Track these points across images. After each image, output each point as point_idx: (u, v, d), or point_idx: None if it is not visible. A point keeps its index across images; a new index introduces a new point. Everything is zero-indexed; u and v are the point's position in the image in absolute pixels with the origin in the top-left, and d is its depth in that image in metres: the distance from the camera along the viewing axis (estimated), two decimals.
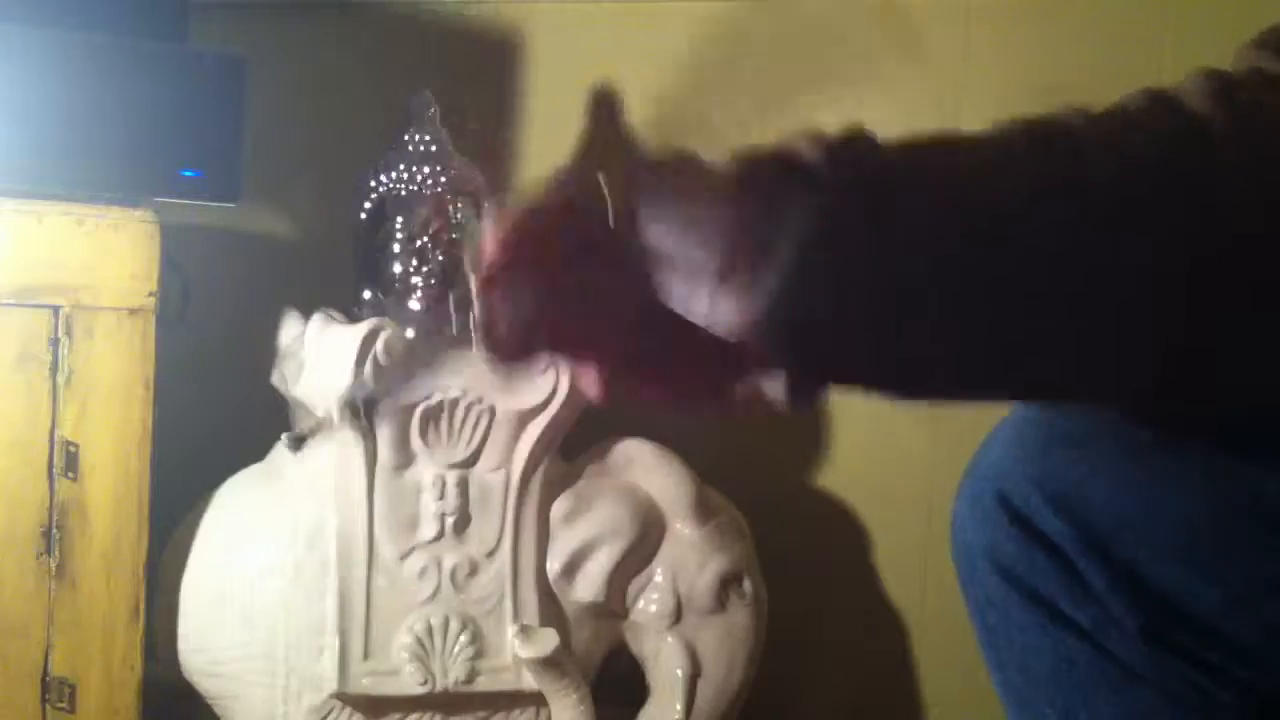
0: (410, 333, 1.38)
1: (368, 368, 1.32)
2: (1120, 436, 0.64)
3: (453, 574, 1.35)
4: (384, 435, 1.33)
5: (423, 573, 1.35)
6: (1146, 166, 0.55)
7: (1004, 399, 0.59)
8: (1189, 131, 0.55)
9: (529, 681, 1.35)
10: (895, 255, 0.53)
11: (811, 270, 0.53)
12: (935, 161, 0.56)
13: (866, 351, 0.55)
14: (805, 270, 0.53)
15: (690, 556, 1.42)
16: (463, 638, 1.35)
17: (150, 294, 1.25)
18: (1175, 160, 0.55)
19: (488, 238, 0.58)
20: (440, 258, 1.42)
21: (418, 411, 1.33)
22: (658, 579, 1.42)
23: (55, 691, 1.24)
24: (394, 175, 1.43)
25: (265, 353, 1.45)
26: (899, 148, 0.56)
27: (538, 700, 1.37)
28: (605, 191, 0.59)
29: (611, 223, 0.58)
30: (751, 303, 0.54)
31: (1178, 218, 0.54)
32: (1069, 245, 0.54)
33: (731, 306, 0.54)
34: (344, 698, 1.33)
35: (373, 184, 1.43)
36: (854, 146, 0.55)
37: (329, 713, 1.34)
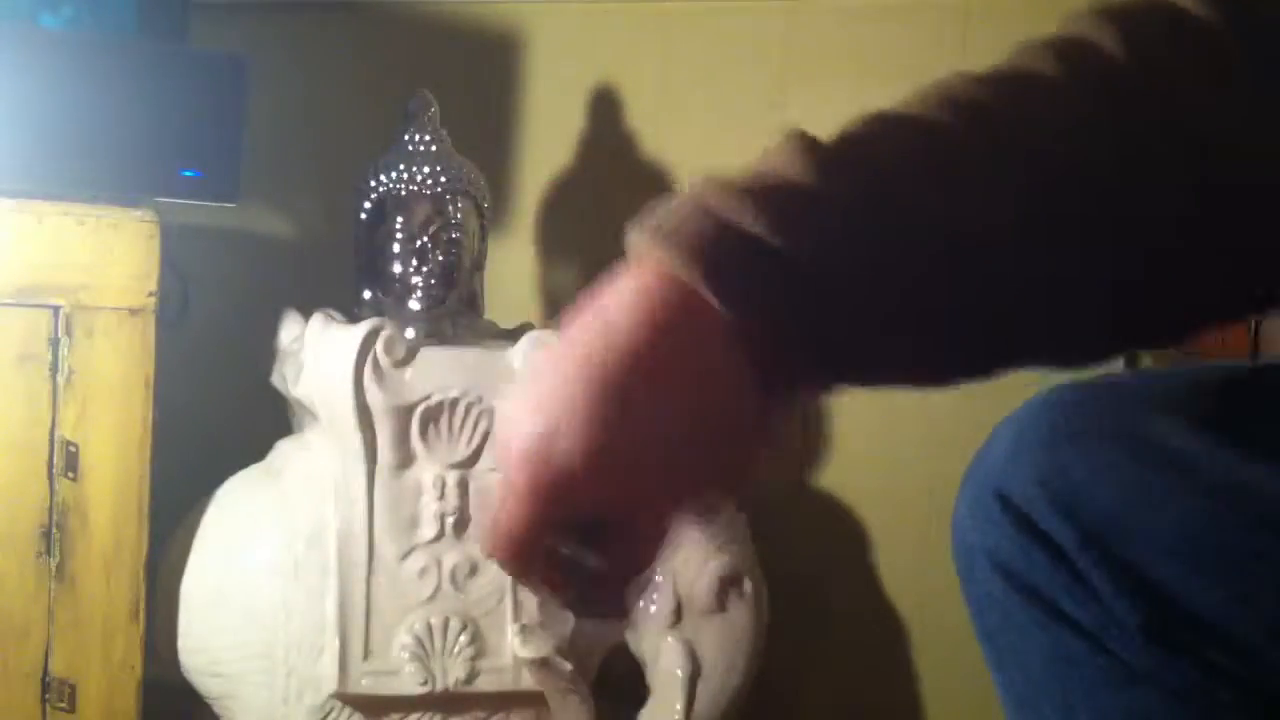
0: (410, 333, 1.38)
1: None
2: (1122, 437, 0.64)
3: (453, 574, 1.35)
4: (384, 435, 1.33)
5: (423, 573, 1.35)
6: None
7: (1001, 365, 0.60)
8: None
9: (529, 681, 1.35)
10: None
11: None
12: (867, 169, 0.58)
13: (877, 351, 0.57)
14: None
15: (690, 556, 1.42)
16: (463, 638, 1.35)
17: (150, 294, 1.25)
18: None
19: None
20: (440, 258, 1.42)
21: (418, 411, 1.33)
22: (658, 579, 1.42)
23: (55, 691, 1.24)
24: (394, 175, 1.42)
25: (265, 353, 1.45)
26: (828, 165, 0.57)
27: (538, 700, 1.37)
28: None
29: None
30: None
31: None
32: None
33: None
34: (344, 698, 1.33)
35: (373, 184, 1.43)
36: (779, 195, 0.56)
37: (329, 713, 1.34)
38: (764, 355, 0.55)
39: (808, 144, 0.58)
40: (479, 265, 1.48)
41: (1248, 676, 0.65)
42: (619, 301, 0.58)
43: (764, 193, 0.56)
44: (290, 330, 1.43)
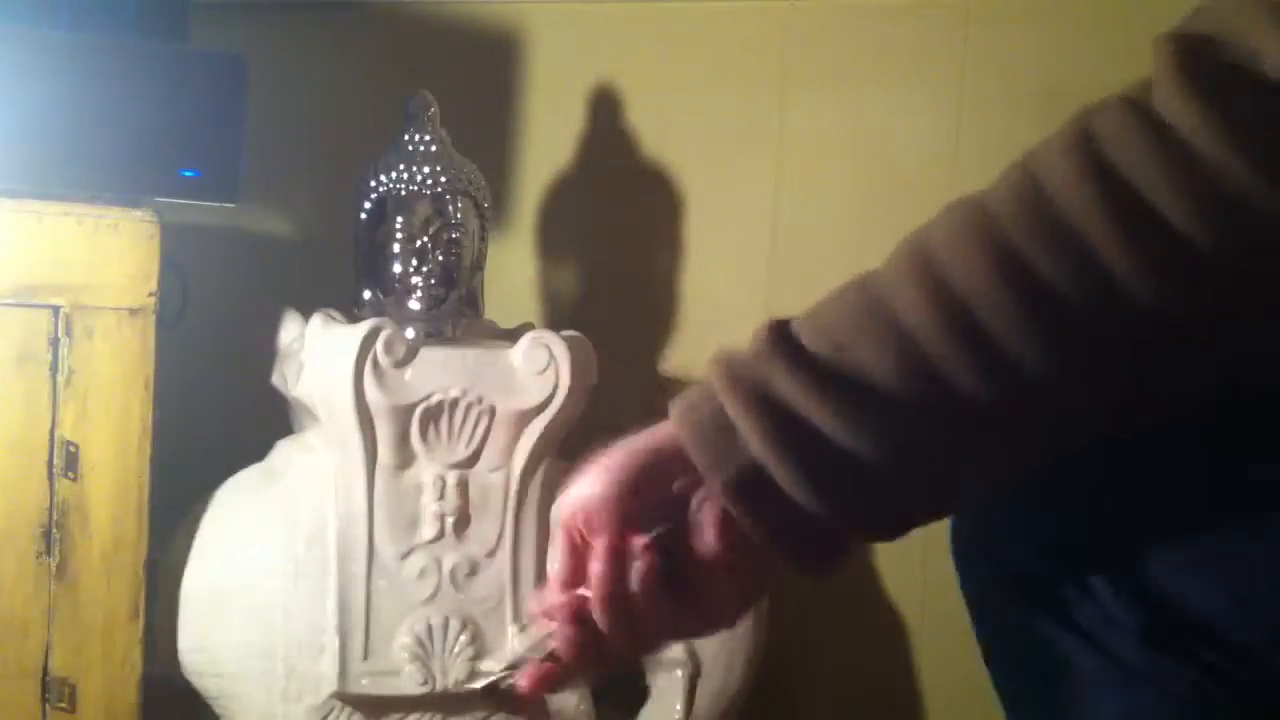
0: (410, 333, 1.38)
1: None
2: (1120, 438, 0.64)
3: (453, 574, 1.35)
4: (384, 435, 1.33)
5: (423, 573, 1.35)
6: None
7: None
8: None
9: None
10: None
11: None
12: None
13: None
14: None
15: None
16: (463, 638, 1.35)
17: (150, 294, 1.25)
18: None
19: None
20: (440, 258, 1.42)
21: (418, 411, 1.33)
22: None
23: (55, 691, 1.24)
24: (394, 175, 1.43)
25: (265, 353, 1.45)
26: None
27: (538, 700, 1.38)
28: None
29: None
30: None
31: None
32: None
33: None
34: (344, 698, 1.33)
35: (373, 184, 1.43)
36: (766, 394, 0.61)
37: (329, 713, 1.34)
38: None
39: (800, 358, 0.62)
40: (479, 265, 1.48)
41: (1246, 678, 0.65)
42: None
43: (786, 433, 0.61)
44: (290, 330, 1.43)
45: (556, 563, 0.68)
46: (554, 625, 0.67)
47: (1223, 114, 0.54)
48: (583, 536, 0.67)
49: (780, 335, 0.62)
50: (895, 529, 0.63)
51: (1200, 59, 0.55)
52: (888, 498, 0.61)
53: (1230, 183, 0.53)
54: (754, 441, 0.60)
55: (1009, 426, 0.59)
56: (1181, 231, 0.54)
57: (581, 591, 0.66)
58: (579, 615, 0.66)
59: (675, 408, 0.64)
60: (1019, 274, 0.56)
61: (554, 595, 0.68)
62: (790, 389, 0.60)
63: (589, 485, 0.66)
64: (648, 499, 0.65)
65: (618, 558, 0.65)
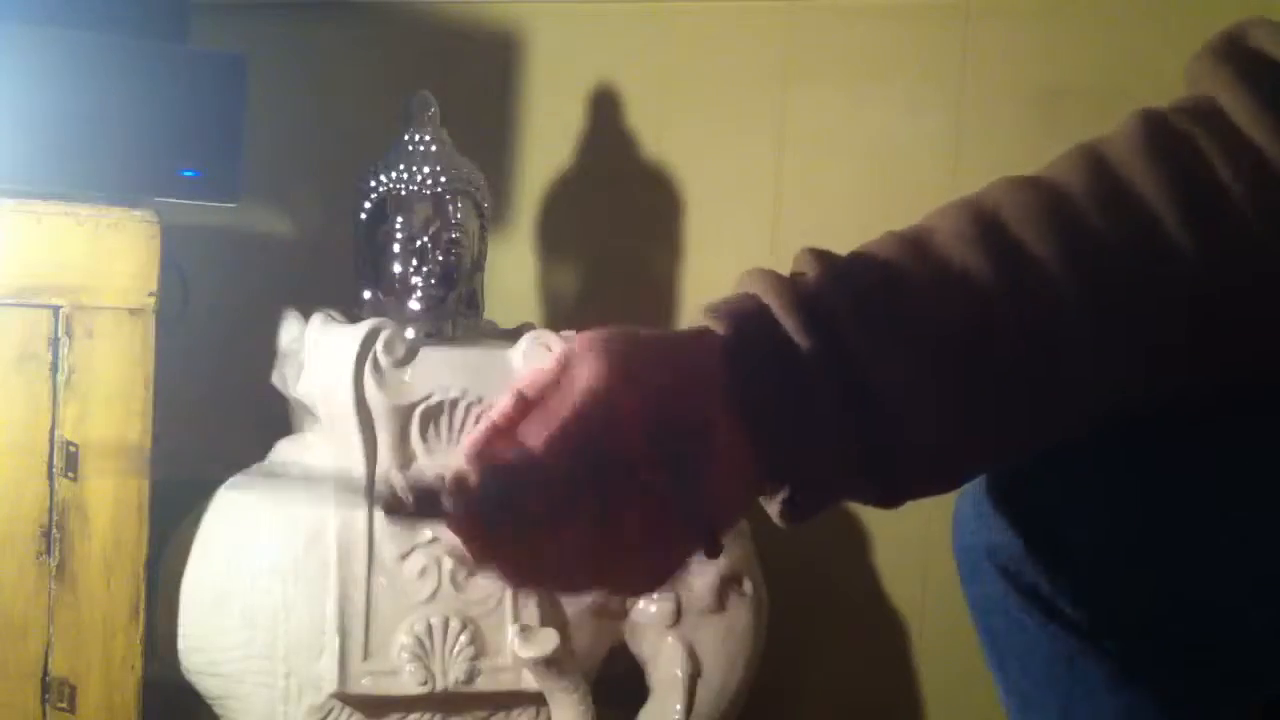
0: (410, 333, 1.38)
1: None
2: (1122, 439, 0.64)
3: (453, 574, 1.35)
4: (384, 435, 1.33)
5: (423, 573, 1.35)
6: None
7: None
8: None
9: (529, 681, 1.35)
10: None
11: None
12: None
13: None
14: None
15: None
16: (463, 638, 1.35)
17: (150, 294, 1.25)
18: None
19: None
20: (440, 258, 1.42)
21: (418, 411, 1.33)
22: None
23: (55, 691, 1.24)
24: (394, 175, 1.42)
25: (265, 353, 1.45)
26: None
27: (538, 700, 1.37)
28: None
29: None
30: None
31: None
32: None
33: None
34: (344, 698, 1.33)
35: (373, 184, 1.43)
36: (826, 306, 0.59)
37: (329, 713, 1.34)
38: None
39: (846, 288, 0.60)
40: (479, 265, 1.48)
41: (1246, 677, 0.65)
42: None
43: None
44: (290, 330, 1.43)
45: (526, 384, 0.60)
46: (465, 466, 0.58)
47: None
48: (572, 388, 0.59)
49: (830, 262, 0.61)
50: (898, 488, 0.62)
51: (1261, 79, 0.59)
52: (908, 444, 0.60)
53: None
54: (799, 337, 0.59)
55: (1038, 380, 0.59)
56: (1241, 213, 0.57)
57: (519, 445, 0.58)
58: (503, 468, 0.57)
59: (716, 314, 0.61)
60: (1076, 233, 0.58)
61: (492, 432, 0.58)
62: (844, 309, 0.59)
63: (623, 363, 0.59)
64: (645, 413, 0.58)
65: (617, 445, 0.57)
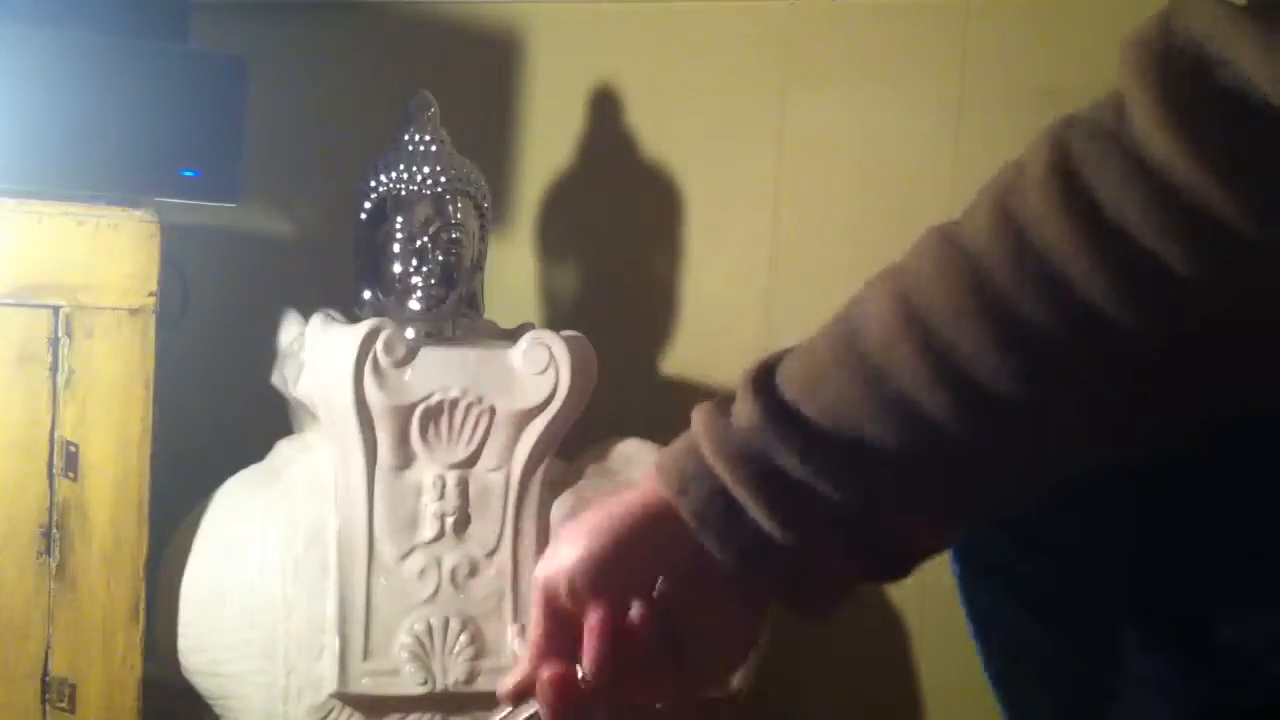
0: (410, 333, 1.38)
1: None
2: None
3: (453, 574, 1.35)
4: (384, 435, 1.33)
5: (423, 573, 1.35)
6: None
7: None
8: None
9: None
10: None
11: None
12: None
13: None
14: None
15: None
16: (463, 638, 1.35)
17: (150, 294, 1.25)
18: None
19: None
20: (440, 258, 1.42)
21: (418, 411, 1.33)
22: None
23: (55, 691, 1.24)
24: (394, 175, 1.42)
25: (265, 353, 1.45)
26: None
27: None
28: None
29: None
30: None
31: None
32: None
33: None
34: (344, 698, 1.33)
35: (373, 184, 1.43)
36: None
37: (329, 713, 1.34)
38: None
39: (774, 404, 0.61)
40: (479, 265, 1.48)
41: (1246, 678, 0.65)
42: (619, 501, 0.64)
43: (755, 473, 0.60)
44: (290, 330, 1.43)
45: (537, 633, 0.63)
46: (534, 704, 0.64)
47: (1204, 141, 0.52)
48: (566, 605, 0.63)
49: (770, 398, 0.60)
50: (902, 570, 0.63)
51: (1179, 77, 0.53)
52: (898, 542, 0.62)
53: (1213, 212, 0.51)
54: (763, 519, 0.60)
55: (1002, 467, 0.59)
56: (1163, 260, 0.52)
57: (561, 666, 0.63)
58: (564, 687, 0.62)
59: (666, 478, 0.62)
60: (1003, 316, 0.55)
61: (533, 667, 0.63)
62: (791, 463, 0.59)
63: (571, 550, 0.62)
64: (633, 562, 0.62)
65: (612, 629, 0.62)
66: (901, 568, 0.63)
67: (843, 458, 0.58)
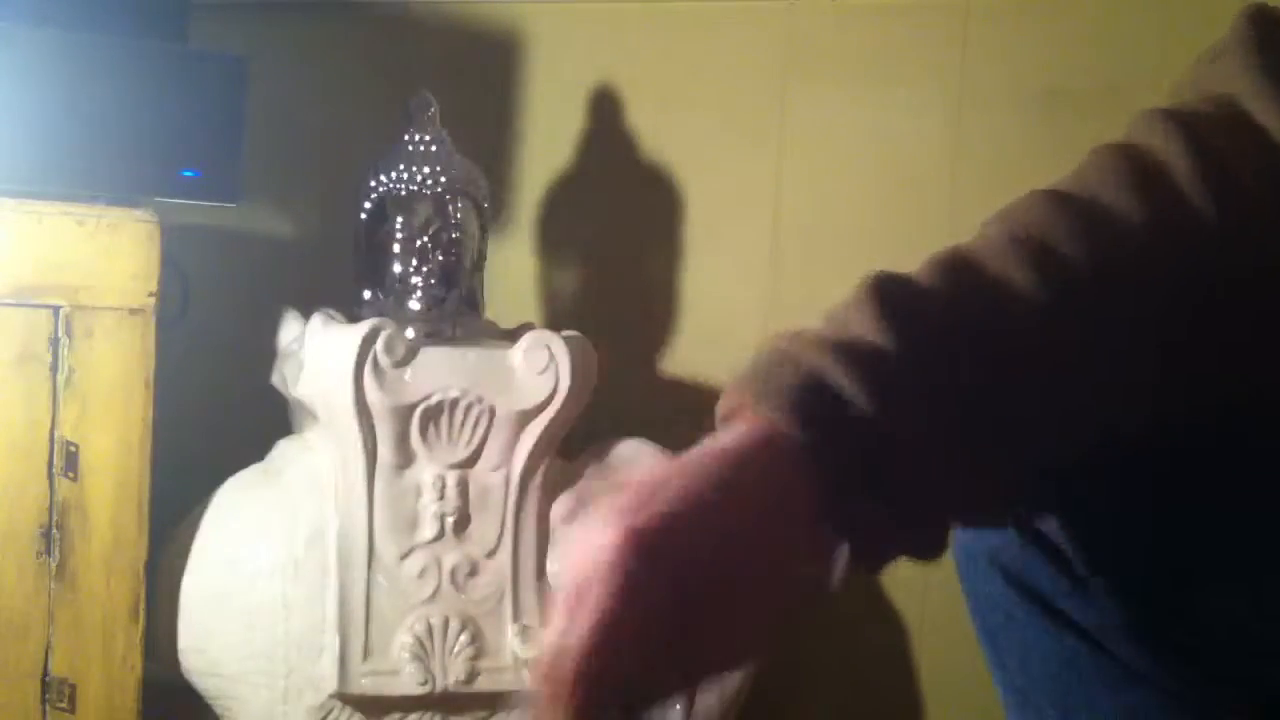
0: (410, 333, 1.38)
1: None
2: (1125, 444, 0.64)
3: (453, 574, 1.35)
4: (384, 435, 1.33)
5: (423, 573, 1.35)
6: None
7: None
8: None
9: (529, 681, 1.35)
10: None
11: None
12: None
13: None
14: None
15: None
16: (463, 638, 1.35)
17: (150, 294, 1.25)
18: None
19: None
20: (440, 258, 1.42)
21: (418, 411, 1.33)
22: None
23: (55, 691, 1.24)
24: (394, 175, 1.42)
25: (265, 353, 1.45)
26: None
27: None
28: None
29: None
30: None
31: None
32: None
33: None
34: (344, 698, 1.33)
35: (373, 184, 1.43)
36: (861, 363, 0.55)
37: (329, 713, 1.34)
38: (840, 507, 0.57)
39: (885, 298, 0.57)
40: (479, 265, 1.48)
41: (1246, 678, 0.65)
42: (711, 448, 0.58)
43: (847, 351, 0.56)
44: (290, 330, 1.43)
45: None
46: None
47: None
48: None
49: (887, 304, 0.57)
50: (932, 532, 0.61)
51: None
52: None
53: None
54: (859, 396, 0.55)
55: (1067, 386, 0.57)
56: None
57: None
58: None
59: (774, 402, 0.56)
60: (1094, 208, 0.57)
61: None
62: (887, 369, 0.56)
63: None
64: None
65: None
66: (935, 533, 0.60)
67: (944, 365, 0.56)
